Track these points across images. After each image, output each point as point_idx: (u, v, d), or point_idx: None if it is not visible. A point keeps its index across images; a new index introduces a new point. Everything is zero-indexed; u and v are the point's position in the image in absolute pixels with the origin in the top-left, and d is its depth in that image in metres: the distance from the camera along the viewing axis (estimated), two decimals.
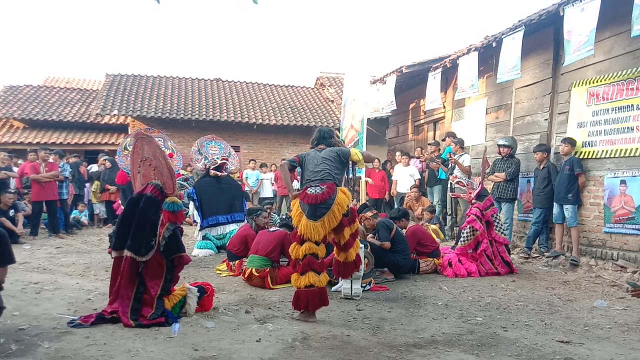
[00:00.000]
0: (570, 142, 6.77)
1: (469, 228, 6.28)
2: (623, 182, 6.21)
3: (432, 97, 10.22)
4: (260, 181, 13.26)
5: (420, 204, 9.44)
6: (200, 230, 7.87)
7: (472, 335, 3.73)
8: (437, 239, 7.07)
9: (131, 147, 6.86)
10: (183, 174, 10.54)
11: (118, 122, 16.85)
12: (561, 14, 6.49)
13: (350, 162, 4.39)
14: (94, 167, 12.43)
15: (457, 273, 6.08)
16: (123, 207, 7.16)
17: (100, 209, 11.73)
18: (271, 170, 13.57)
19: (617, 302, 4.82)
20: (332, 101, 18.16)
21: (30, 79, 50.76)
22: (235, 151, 9.21)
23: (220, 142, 8.60)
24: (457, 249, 6.33)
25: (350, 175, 4.89)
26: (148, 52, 64.40)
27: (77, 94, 18.81)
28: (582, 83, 6.88)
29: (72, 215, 10.57)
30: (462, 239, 6.33)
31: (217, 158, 8.23)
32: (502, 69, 7.76)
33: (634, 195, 6.05)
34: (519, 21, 7.56)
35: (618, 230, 6.27)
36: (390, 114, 12.53)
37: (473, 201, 6.60)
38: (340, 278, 4.75)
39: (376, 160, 10.38)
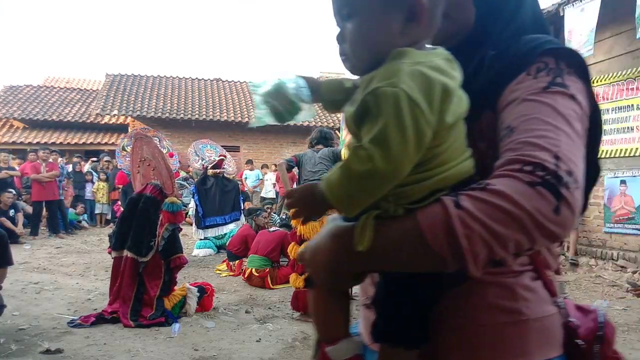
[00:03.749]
0: None
1: None
2: (623, 182, 6.21)
3: None
4: (262, 181, 13.26)
5: None
6: (200, 229, 7.85)
7: None
8: None
9: (129, 147, 6.89)
10: (182, 174, 10.56)
11: (118, 122, 16.86)
12: (561, 14, 6.49)
13: None
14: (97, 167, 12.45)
15: None
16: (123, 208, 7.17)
17: (102, 209, 11.70)
18: (272, 171, 13.56)
19: (617, 302, 4.82)
20: None
21: (30, 79, 50.88)
22: (236, 151, 9.24)
23: (215, 145, 8.65)
24: None
25: None
26: (148, 52, 64.50)
27: (77, 94, 18.83)
28: None
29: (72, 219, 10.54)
30: None
31: (215, 158, 8.26)
32: None
33: (634, 195, 6.05)
34: None
35: (618, 230, 6.27)
36: None
37: None
38: None
39: None
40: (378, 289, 0.81)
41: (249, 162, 13.61)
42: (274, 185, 13.18)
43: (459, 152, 0.76)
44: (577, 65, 0.79)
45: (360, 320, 0.92)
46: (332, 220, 0.83)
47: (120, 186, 10.08)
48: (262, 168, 13.71)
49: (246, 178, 13.02)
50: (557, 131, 0.68)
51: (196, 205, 7.88)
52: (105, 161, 12.23)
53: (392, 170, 0.67)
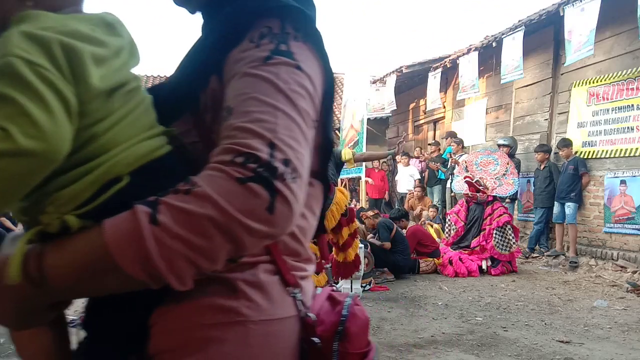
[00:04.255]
0: (566, 144, 6.76)
1: (505, 229, 6.28)
2: (623, 182, 6.21)
3: (432, 97, 10.22)
4: None
5: (422, 203, 9.44)
6: None
7: (472, 335, 3.73)
8: (437, 239, 7.07)
9: None
10: None
11: None
12: (561, 14, 6.50)
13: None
14: None
15: (457, 271, 6.08)
16: None
17: None
18: None
19: (617, 302, 4.82)
20: None
21: None
22: None
23: None
24: (504, 256, 6.26)
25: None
26: (148, 52, 64.54)
27: None
28: (582, 83, 6.88)
29: None
30: (502, 245, 6.27)
31: None
32: (505, 70, 7.76)
33: (634, 195, 6.05)
34: (519, 21, 7.56)
35: (618, 230, 6.27)
36: (390, 114, 12.53)
37: (489, 201, 6.63)
38: (340, 278, 4.75)
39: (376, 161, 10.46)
40: (86, 307, 0.69)
41: None
42: None
43: (136, 130, 0.64)
44: (307, 27, 0.68)
45: None
46: (11, 241, 0.65)
47: None
48: None
49: None
50: (275, 113, 0.59)
51: None
52: None
53: (47, 148, 0.53)
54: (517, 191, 7.34)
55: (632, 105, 6.13)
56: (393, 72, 11.17)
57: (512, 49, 7.57)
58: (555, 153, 7.36)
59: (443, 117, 11.12)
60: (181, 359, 0.65)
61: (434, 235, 7.23)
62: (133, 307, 0.65)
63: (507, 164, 7.03)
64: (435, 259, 6.28)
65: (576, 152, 6.82)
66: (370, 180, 10.31)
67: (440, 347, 3.43)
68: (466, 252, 6.48)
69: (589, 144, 6.74)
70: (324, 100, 0.70)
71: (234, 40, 0.66)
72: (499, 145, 7.79)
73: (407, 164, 10.29)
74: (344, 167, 4.55)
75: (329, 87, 0.71)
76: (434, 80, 10.13)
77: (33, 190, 0.57)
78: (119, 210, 0.56)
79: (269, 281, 0.69)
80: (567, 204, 6.65)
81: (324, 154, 0.75)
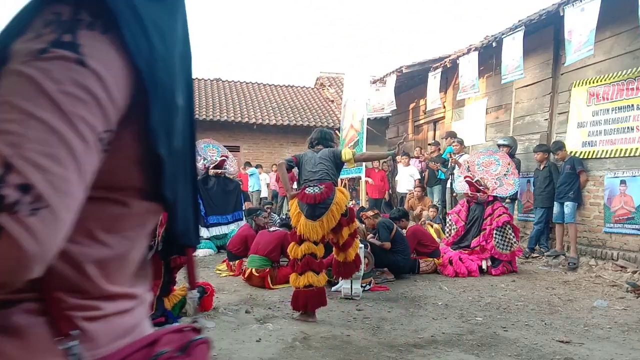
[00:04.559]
0: (559, 146, 6.82)
1: (505, 229, 6.29)
2: (623, 182, 6.21)
3: (432, 97, 10.22)
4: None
5: (422, 203, 9.44)
6: (202, 227, 7.87)
7: (472, 335, 3.73)
8: (437, 239, 7.07)
9: None
10: None
11: None
12: (561, 14, 6.50)
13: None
14: None
15: (457, 271, 6.08)
16: None
17: None
18: (273, 171, 13.56)
19: (617, 302, 4.82)
20: (332, 101, 18.17)
21: None
22: (236, 151, 9.27)
23: (217, 145, 8.67)
24: (505, 256, 6.28)
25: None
26: None
27: None
28: (582, 83, 6.88)
29: None
30: (502, 245, 6.28)
31: (217, 158, 8.28)
32: (506, 70, 7.77)
33: (634, 195, 6.05)
34: (519, 21, 7.56)
35: (618, 230, 6.27)
36: (390, 114, 12.53)
37: (489, 201, 6.64)
38: (340, 278, 4.76)
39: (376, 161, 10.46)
40: None
41: (247, 164, 13.59)
42: (268, 185, 13.23)
43: None
44: (114, 13, 0.54)
45: None
46: None
47: None
48: (257, 168, 13.74)
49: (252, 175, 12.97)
50: (27, 122, 0.47)
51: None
52: None
53: None
54: (517, 191, 7.35)
55: (632, 105, 6.13)
56: (393, 72, 11.17)
57: (512, 49, 7.58)
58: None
59: (443, 117, 11.12)
60: None
61: (434, 235, 7.23)
62: None
63: (508, 164, 7.04)
64: (435, 259, 6.28)
65: (572, 153, 6.84)
66: (370, 180, 10.30)
67: (440, 347, 3.43)
68: (466, 252, 6.48)
69: (589, 144, 6.75)
70: (135, 104, 0.57)
71: (20, 29, 0.54)
72: (499, 145, 7.80)
73: (407, 164, 10.29)
74: (344, 167, 4.54)
75: (148, 88, 0.57)
76: (434, 80, 10.13)
77: None
78: None
79: (27, 325, 0.55)
80: (566, 203, 6.67)
81: (152, 168, 0.61)
